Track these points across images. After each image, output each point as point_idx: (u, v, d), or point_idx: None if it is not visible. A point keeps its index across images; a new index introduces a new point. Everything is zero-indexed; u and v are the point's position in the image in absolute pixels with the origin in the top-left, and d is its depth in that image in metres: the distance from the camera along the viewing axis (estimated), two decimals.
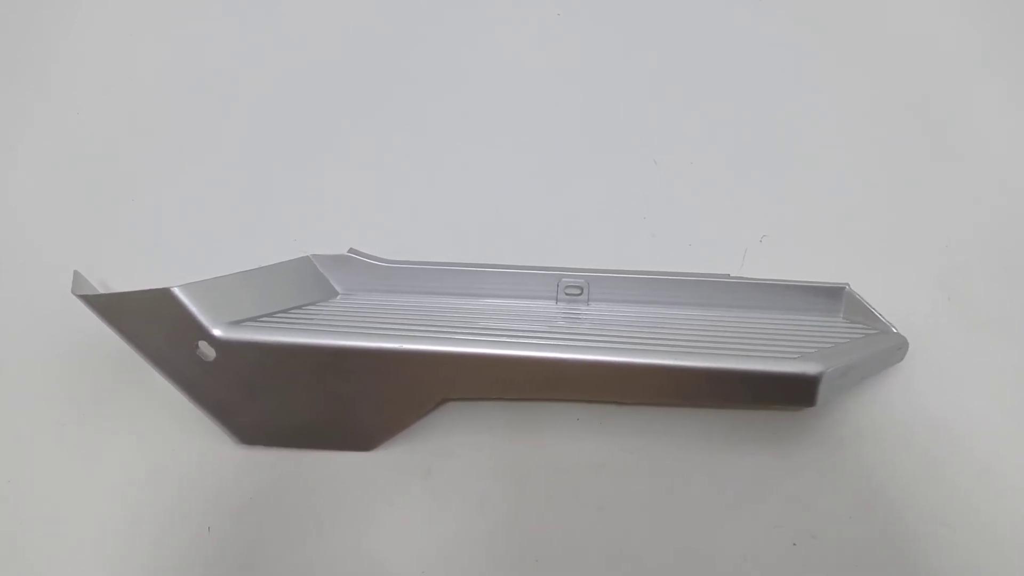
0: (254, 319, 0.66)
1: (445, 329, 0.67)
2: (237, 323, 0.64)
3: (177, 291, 0.61)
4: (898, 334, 0.72)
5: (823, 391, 0.61)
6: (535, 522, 0.68)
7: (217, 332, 0.62)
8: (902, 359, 0.74)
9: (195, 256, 0.83)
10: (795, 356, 0.63)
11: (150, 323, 0.63)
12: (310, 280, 0.74)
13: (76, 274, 0.65)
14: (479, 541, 0.67)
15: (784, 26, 1.00)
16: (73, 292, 0.62)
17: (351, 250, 0.76)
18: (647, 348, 0.64)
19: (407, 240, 0.83)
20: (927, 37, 0.99)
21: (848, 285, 0.75)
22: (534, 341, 0.64)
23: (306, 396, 0.67)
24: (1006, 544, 0.67)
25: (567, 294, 0.76)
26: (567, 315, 0.74)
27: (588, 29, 1.01)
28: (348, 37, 1.00)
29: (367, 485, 0.70)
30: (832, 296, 0.75)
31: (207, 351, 0.63)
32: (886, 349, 0.71)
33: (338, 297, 0.76)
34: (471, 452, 0.71)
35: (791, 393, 0.62)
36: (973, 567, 0.66)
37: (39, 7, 1.03)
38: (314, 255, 0.75)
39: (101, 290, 0.66)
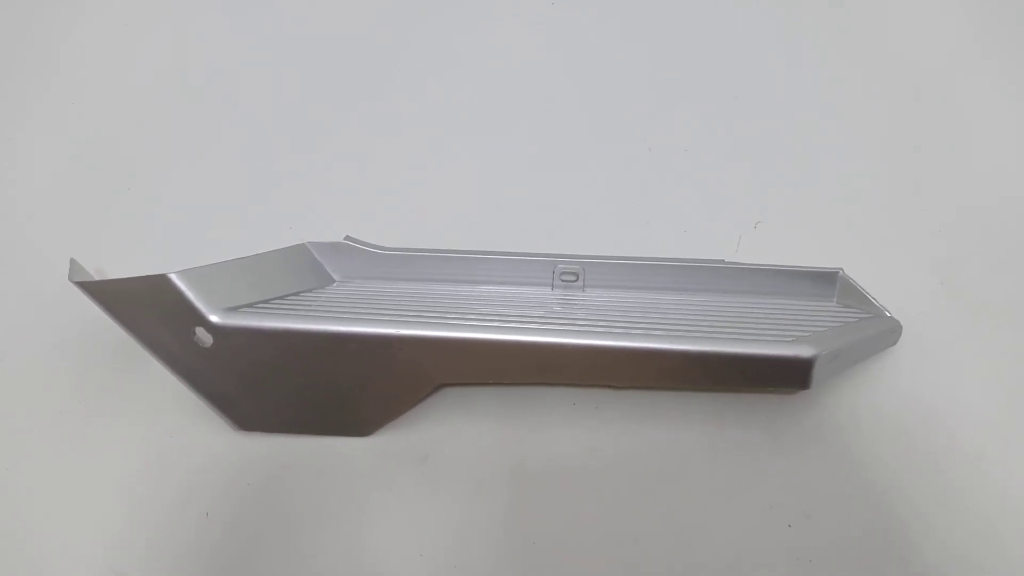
0: (251, 305, 0.66)
1: (441, 315, 0.67)
2: (234, 309, 0.64)
3: (174, 277, 0.61)
4: (891, 318, 0.73)
5: (817, 374, 0.62)
6: (532, 506, 0.68)
7: (214, 318, 0.63)
8: (896, 342, 0.74)
9: (192, 243, 0.83)
10: (789, 339, 0.63)
11: (147, 309, 0.63)
12: (307, 267, 0.75)
13: (73, 262, 0.65)
14: (476, 525, 0.68)
15: (778, 13, 1.00)
16: (70, 279, 0.62)
17: (347, 237, 0.77)
18: (642, 333, 0.65)
19: (403, 227, 0.83)
20: (921, 23, 0.99)
21: (842, 270, 0.75)
22: (530, 327, 0.65)
23: (303, 382, 0.67)
24: (998, 525, 0.67)
25: (563, 280, 0.76)
26: (563, 301, 0.75)
27: (582, 17, 1.01)
28: (345, 27, 1.00)
29: (364, 470, 0.70)
30: (826, 281, 0.75)
31: (204, 337, 0.64)
32: (879, 332, 0.71)
33: (334, 284, 0.76)
34: (468, 437, 0.71)
35: (785, 376, 0.63)
36: (966, 547, 0.66)
37: (39, 0, 1.03)
38: (311, 242, 0.75)
39: (97, 277, 0.66)
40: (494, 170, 0.88)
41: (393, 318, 0.65)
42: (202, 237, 0.83)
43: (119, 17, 1.01)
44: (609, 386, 0.73)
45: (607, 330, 0.65)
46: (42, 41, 1.00)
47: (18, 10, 1.02)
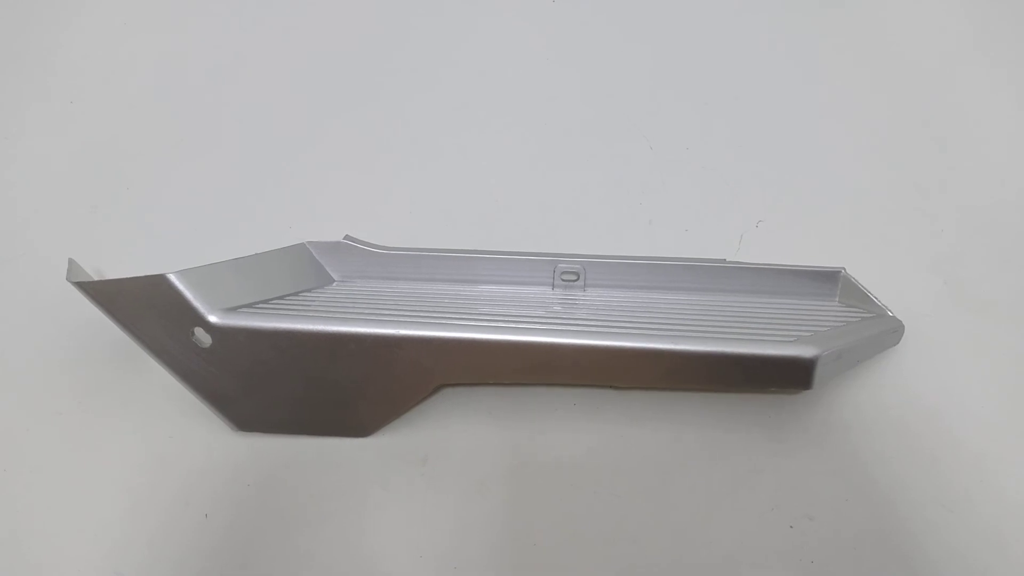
0: (250, 305, 0.66)
1: (441, 315, 0.67)
2: (233, 309, 0.64)
3: (173, 277, 0.61)
4: (894, 317, 0.73)
5: (819, 374, 0.61)
6: (532, 507, 0.68)
7: (213, 318, 0.62)
8: (898, 342, 0.74)
9: (191, 243, 0.83)
10: (791, 339, 0.63)
11: (146, 310, 0.62)
12: (306, 267, 0.74)
13: (71, 262, 0.65)
14: (476, 526, 0.67)
15: (779, 12, 1.00)
16: (68, 279, 0.62)
17: (347, 237, 0.76)
18: (644, 333, 0.64)
19: (403, 227, 0.83)
20: (923, 23, 0.98)
21: (844, 269, 0.75)
22: (531, 326, 0.64)
23: (303, 382, 0.67)
24: (1001, 525, 0.67)
25: (563, 280, 0.76)
26: (564, 301, 0.74)
27: (584, 15, 1.00)
28: (344, 26, 1.00)
29: (364, 471, 0.70)
30: (828, 280, 0.75)
31: (203, 338, 0.63)
32: (882, 332, 0.71)
33: (334, 284, 0.76)
34: (468, 437, 0.71)
35: (787, 376, 0.62)
36: (969, 547, 0.66)
37: (38, 0, 1.03)
38: (310, 242, 0.75)
39: (96, 278, 0.66)
40: (495, 169, 0.88)
41: (393, 318, 0.65)
42: (201, 237, 0.83)
43: (118, 16, 1.01)
44: (610, 386, 0.73)
45: (608, 330, 0.65)
46: (41, 40, 0.99)
47: (17, 10, 1.02)
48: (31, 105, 0.94)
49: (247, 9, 1.02)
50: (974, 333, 0.76)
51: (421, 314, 0.67)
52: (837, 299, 0.75)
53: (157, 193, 0.87)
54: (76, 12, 1.02)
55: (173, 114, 0.93)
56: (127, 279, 0.61)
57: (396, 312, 0.67)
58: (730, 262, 0.76)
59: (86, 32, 1.00)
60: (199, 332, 0.63)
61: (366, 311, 0.68)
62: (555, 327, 0.65)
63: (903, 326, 0.73)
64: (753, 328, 0.67)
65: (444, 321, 0.65)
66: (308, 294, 0.72)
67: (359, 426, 0.70)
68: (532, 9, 1.01)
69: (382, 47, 0.98)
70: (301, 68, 0.97)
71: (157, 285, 0.61)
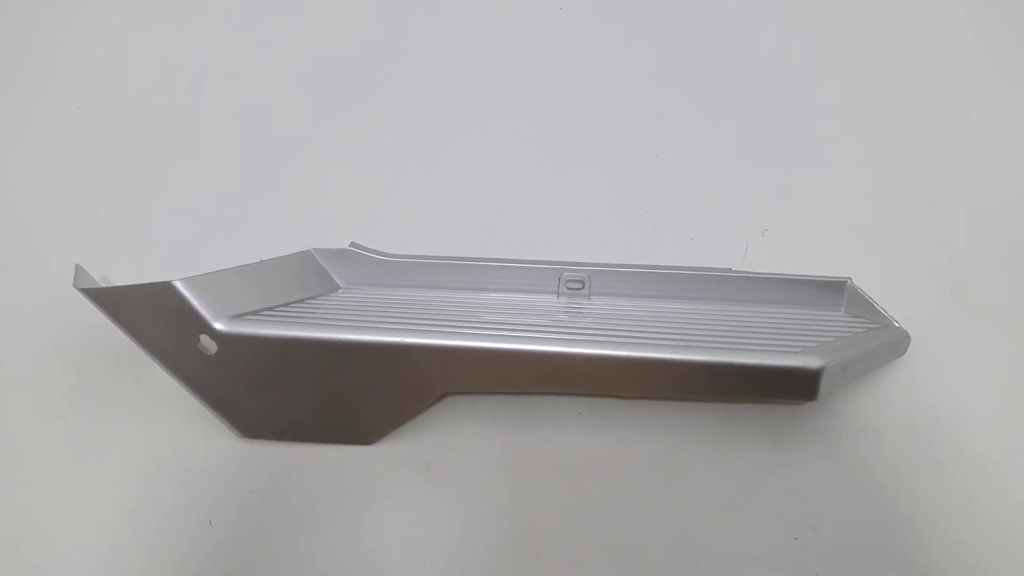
0: (256, 313, 0.66)
1: (446, 323, 0.67)
2: (239, 316, 0.64)
3: (178, 284, 0.61)
4: (900, 328, 0.72)
5: (824, 385, 0.61)
6: (536, 516, 0.68)
7: (218, 325, 0.62)
8: (904, 353, 0.74)
9: (197, 250, 0.82)
10: (797, 350, 0.63)
11: (151, 316, 0.62)
12: (312, 274, 0.74)
13: (78, 268, 0.65)
14: (480, 534, 0.67)
15: (787, 19, 1.00)
16: (75, 286, 0.62)
17: (352, 244, 0.76)
18: (648, 342, 0.64)
19: (409, 234, 0.83)
20: (928, 30, 0.98)
21: (850, 279, 0.75)
22: (535, 335, 0.64)
23: (307, 390, 0.67)
24: (1006, 536, 0.67)
25: (568, 288, 0.76)
26: (568, 309, 0.74)
27: (590, 22, 1.00)
28: (347, 29, 1.00)
29: (368, 479, 0.70)
30: (834, 290, 0.75)
31: (208, 345, 0.63)
32: (888, 343, 0.71)
33: (339, 291, 0.76)
34: (472, 446, 0.71)
35: (792, 387, 0.62)
36: (973, 559, 0.66)
37: (40, 1, 1.03)
38: (315, 249, 0.75)
39: (102, 284, 0.66)
40: (500, 176, 0.88)
41: (398, 326, 0.65)
42: (207, 243, 0.83)
43: (124, 21, 1.01)
44: (614, 396, 0.72)
45: (613, 339, 0.64)
46: (46, 44, 0.99)
47: (21, 13, 1.02)
48: (37, 109, 0.94)
49: (251, 14, 1.02)
50: (981, 342, 0.76)
51: (426, 322, 0.67)
52: (843, 309, 0.75)
53: (162, 199, 0.87)
54: (76, 12, 1.02)
55: (179, 119, 0.93)
56: (133, 286, 0.61)
57: (401, 320, 0.67)
58: (735, 271, 0.76)
59: (87, 33, 1.00)
60: (204, 339, 0.63)
61: (371, 319, 0.67)
62: (560, 336, 0.64)
63: (909, 337, 0.73)
64: (758, 338, 0.67)
65: (449, 329, 0.65)
66: (313, 301, 0.72)
67: (363, 434, 0.70)
68: (537, 14, 1.01)
69: (389, 53, 0.98)
70: (307, 74, 0.97)
71: (163, 292, 0.61)
